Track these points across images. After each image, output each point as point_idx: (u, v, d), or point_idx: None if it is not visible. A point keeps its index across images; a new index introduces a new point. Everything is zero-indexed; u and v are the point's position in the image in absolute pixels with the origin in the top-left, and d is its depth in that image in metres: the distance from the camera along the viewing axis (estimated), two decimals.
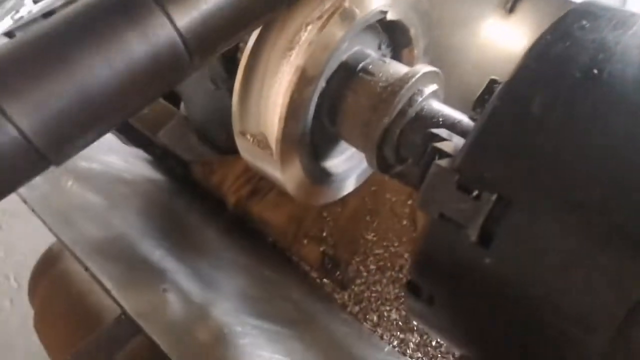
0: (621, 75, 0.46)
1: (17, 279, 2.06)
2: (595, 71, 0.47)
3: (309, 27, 0.69)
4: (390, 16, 0.79)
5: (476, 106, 0.64)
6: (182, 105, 1.21)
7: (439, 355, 0.97)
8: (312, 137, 0.81)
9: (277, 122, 0.72)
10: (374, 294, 1.03)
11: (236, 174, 1.08)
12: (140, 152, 1.18)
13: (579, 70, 0.47)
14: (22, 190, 0.73)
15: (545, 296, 0.45)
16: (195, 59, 0.55)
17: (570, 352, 0.44)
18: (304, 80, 0.71)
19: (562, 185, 0.45)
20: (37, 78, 0.45)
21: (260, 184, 1.07)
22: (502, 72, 0.53)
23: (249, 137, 0.78)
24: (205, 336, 0.69)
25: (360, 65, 0.78)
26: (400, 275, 1.03)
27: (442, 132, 0.65)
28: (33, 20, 1.14)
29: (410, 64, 0.89)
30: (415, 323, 0.99)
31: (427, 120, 0.73)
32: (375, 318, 1.01)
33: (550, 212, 0.45)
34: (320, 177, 0.88)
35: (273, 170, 0.79)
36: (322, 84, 0.76)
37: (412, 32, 0.87)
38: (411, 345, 0.98)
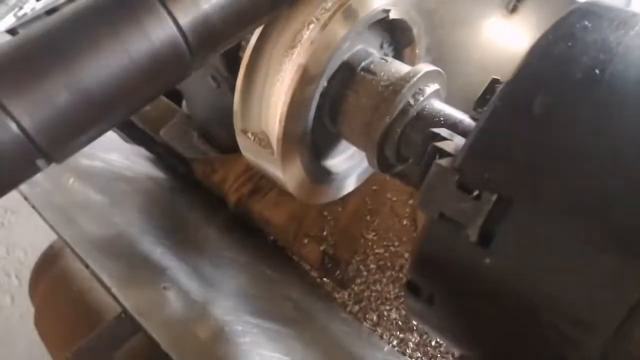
0: (622, 75, 0.46)
1: (18, 276, 2.06)
2: (597, 71, 0.47)
3: (312, 26, 0.69)
4: (392, 15, 0.79)
5: (477, 106, 0.64)
6: (184, 103, 1.21)
7: (439, 355, 0.97)
8: (313, 136, 0.81)
9: (278, 121, 0.72)
10: (373, 294, 1.03)
11: (237, 173, 1.08)
12: (141, 150, 1.18)
13: (581, 70, 0.47)
14: (24, 187, 0.73)
15: (545, 296, 0.45)
16: (197, 57, 0.55)
17: (570, 353, 0.44)
18: (305, 78, 0.71)
19: (562, 185, 0.45)
20: (39, 75, 0.45)
21: (261, 182, 1.07)
22: (504, 72, 0.53)
23: (250, 135, 0.78)
24: (205, 334, 0.69)
25: (362, 64, 0.78)
26: (401, 275, 1.03)
27: (443, 131, 0.65)
28: (36, 18, 1.14)
29: (412, 63, 0.89)
30: (414, 323, 0.99)
31: (429, 119, 0.73)
32: (375, 317, 1.01)
33: (551, 213, 0.45)
34: (321, 176, 0.88)
35: (274, 168, 0.79)
36: (323, 82, 0.76)
37: (415, 31, 0.87)
38: (411, 344, 0.98)
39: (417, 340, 0.98)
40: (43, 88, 0.45)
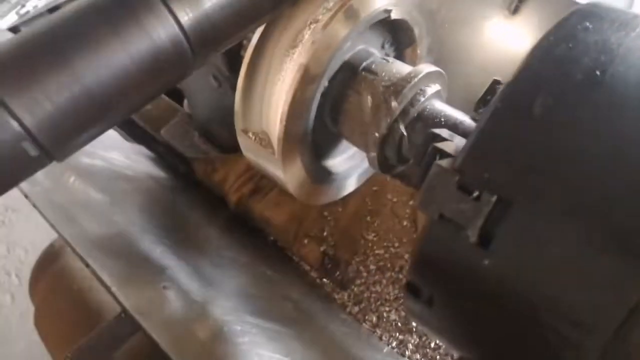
0: (623, 77, 0.46)
1: (18, 275, 2.06)
2: (598, 73, 0.47)
3: (313, 26, 0.69)
4: (394, 15, 0.79)
5: (478, 107, 0.64)
6: (185, 102, 1.21)
7: (438, 356, 0.96)
8: (314, 135, 0.81)
9: (279, 120, 0.72)
10: (373, 295, 1.03)
11: (238, 172, 1.08)
12: (142, 149, 1.18)
13: (581, 71, 0.47)
14: (24, 185, 0.73)
15: (544, 298, 0.45)
16: (198, 56, 0.55)
17: (569, 354, 0.44)
18: (306, 78, 0.71)
19: (562, 186, 0.45)
20: (40, 73, 0.45)
21: (262, 182, 1.07)
22: (505, 73, 0.53)
23: (251, 135, 0.78)
24: (205, 334, 0.69)
25: (363, 64, 0.78)
26: (400, 276, 1.03)
27: (444, 132, 0.65)
28: (38, 15, 1.14)
29: (413, 63, 0.89)
30: (414, 324, 0.99)
31: (429, 120, 0.73)
32: (374, 319, 1.01)
33: (551, 214, 0.45)
34: (321, 176, 0.88)
35: (274, 168, 0.79)
36: (324, 82, 0.76)
37: (416, 31, 0.87)
38: (410, 346, 0.98)
39: (416, 342, 0.98)
40: (44, 86, 0.45)
